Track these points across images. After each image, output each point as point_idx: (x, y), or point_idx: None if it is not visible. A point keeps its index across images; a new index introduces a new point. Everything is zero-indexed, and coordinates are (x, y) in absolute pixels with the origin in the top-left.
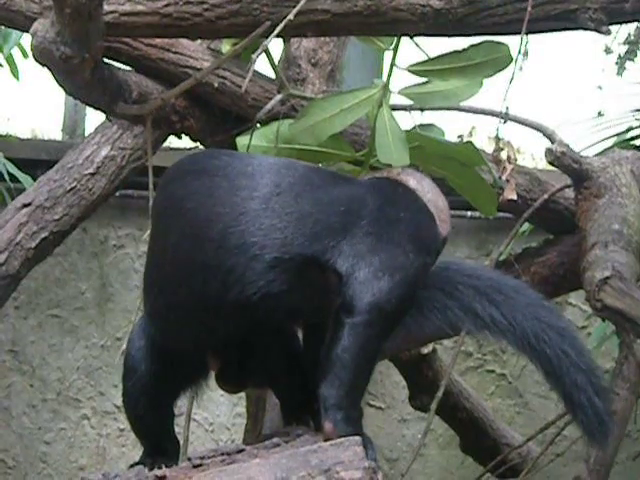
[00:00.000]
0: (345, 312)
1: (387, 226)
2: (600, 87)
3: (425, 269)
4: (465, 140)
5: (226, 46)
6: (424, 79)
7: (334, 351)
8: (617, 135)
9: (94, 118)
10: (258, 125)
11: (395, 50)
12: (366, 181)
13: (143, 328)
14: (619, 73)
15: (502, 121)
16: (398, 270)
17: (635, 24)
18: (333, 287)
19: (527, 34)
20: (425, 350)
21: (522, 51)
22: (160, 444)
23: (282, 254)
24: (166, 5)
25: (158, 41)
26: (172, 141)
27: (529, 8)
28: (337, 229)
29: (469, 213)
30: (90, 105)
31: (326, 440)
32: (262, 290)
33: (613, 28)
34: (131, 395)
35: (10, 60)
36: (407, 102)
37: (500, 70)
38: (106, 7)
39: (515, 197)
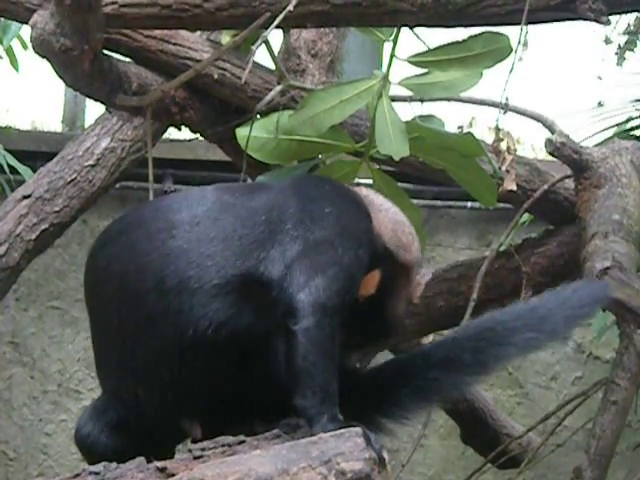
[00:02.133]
0: (289, 318)
1: (312, 224)
2: (600, 77)
3: (359, 261)
4: (465, 131)
5: (226, 37)
6: (424, 70)
7: (295, 361)
8: (617, 125)
9: (94, 110)
10: (258, 116)
11: (395, 41)
12: (287, 184)
13: (95, 412)
14: (619, 63)
15: (502, 112)
16: (330, 265)
17: (634, 14)
18: (276, 297)
19: (527, 24)
20: (426, 341)
21: (522, 41)
22: None
23: (219, 279)
24: None
25: (158, 33)
26: (172, 132)
27: None
28: (263, 239)
29: (469, 204)
30: (90, 97)
31: None
32: (214, 321)
33: (613, 18)
34: None
35: (10, 52)
36: (407, 93)
37: (500, 61)
38: None
39: (515, 188)
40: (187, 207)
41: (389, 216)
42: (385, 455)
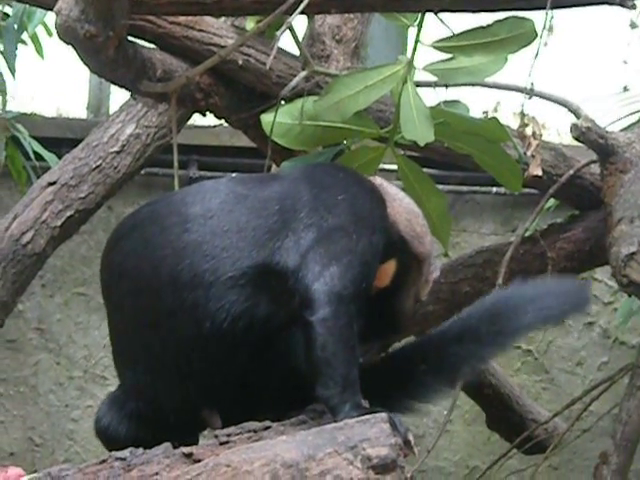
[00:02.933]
0: (306, 309)
1: (326, 212)
2: (625, 62)
3: (374, 247)
4: (490, 116)
5: (250, 23)
6: (449, 55)
7: (314, 352)
8: None
9: (119, 96)
10: (282, 102)
11: (419, 26)
12: (299, 172)
13: (114, 402)
14: None
15: (527, 97)
16: (345, 253)
17: None
18: (292, 287)
19: (552, 9)
20: None
21: (547, 26)
22: None
23: (234, 271)
24: None
25: (182, 19)
26: (196, 119)
27: None
28: (277, 229)
29: (494, 189)
30: (114, 83)
31: None
32: (230, 313)
33: (638, 2)
34: None
35: (34, 38)
36: (432, 78)
37: (525, 46)
38: None
39: (540, 173)
40: (200, 200)
41: (403, 205)
42: (411, 438)
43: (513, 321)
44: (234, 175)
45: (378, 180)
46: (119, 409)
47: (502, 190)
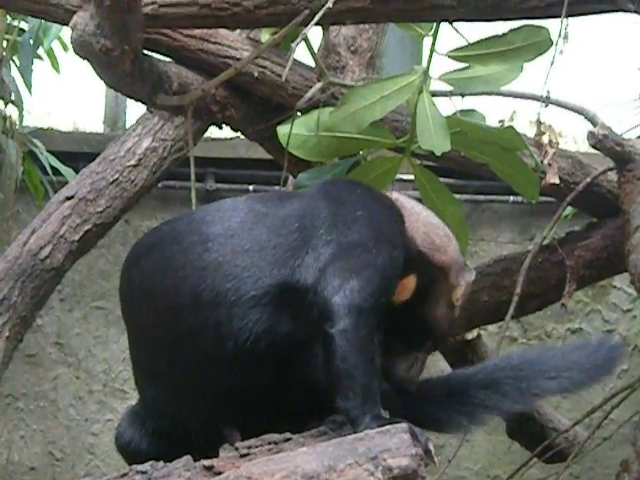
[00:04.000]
0: (326, 322)
1: (345, 228)
2: None
3: (393, 262)
4: (506, 125)
5: (265, 35)
6: (464, 64)
7: (334, 363)
8: None
9: (135, 110)
10: (298, 114)
11: (435, 36)
12: (317, 189)
13: (135, 418)
14: None
15: (543, 105)
16: (364, 267)
17: None
18: (311, 301)
19: (567, 17)
20: (470, 336)
21: (562, 34)
22: None
23: (256, 290)
24: None
25: (197, 32)
26: (213, 131)
27: None
28: (298, 247)
29: (511, 198)
30: (131, 97)
31: None
32: (253, 332)
33: None
34: None
35: (50, 53)
36: (447, 88)
37: (540, 54)
38: None
39: (557, 181)
40: (220, 219)
41: (421, 219)
42: (431, 447)
43: (539, 384)
44: (252, 193)
45: (394, 195)
46: (140, 425)
47: (519, 199)
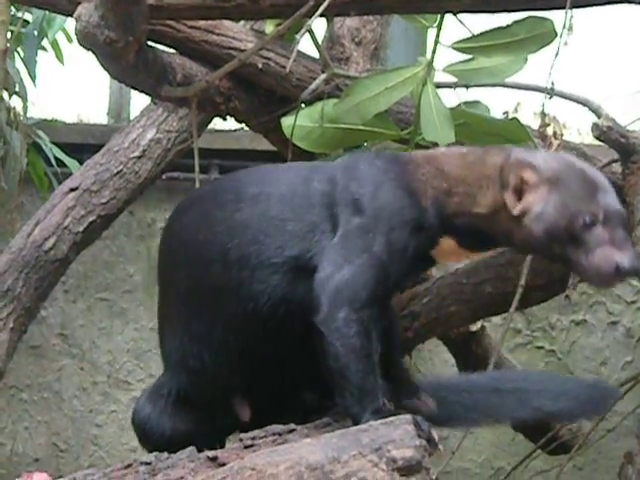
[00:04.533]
0: (315, 314)
1: (347, 208)
2: None
3: (393, 245)
4: (511, 116)
5: (269, 27)
6: (468, 56)
7: (328, 362)
8: None
9: (139, 101)
10: (303, 105)
11: (439, 27)
12: (341, 162)
13: (154, 394)
14: None
15: (548, 96)
16: (359, 254)
17: None
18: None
19: (571, 8)
20: (474, 327)
21: (567, 26)
22: None
23: (276, 258)
24: None
25: (201, 23)
26: (217, 123)
27: None
28: (317, 222)
29: None
30: (135, 88)
31: None
32: (272, 297)
33: None
34: None
35: (55, 45)
36: (452, 79)
37: (545, 45)
38: None
39: None
40: (256, 182)
41: (444, 175)
42: (435, 436)
43: (539, 400)
44: (292, 162)
45: (419, 158)
46: (159, 398)
47: None
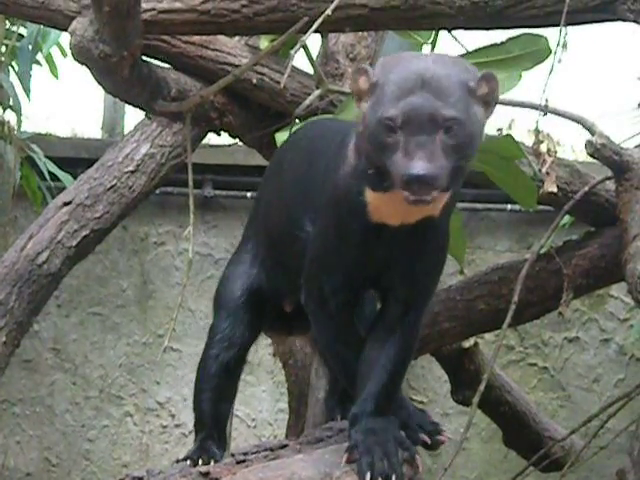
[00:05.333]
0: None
1: (319, 192)
2: None
3: (338, 230)
4: (504, 133)
5: (264, 42)
6: None
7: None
8: None
9: (133, 116)
10: (297, 121)
11: (433, 44)
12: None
13: (244, 272)
14: None
15: (542, 113)
16: (316, 241)
17: None
18: None
19: (566, 26)
20: (467, 344)
21: (561, 43)
22: (215, 426)
23: (297, 222)
24: (204, 2)
25: (196, 38)
26: (211, 138)
27: (567, 0)
28: (310, 198)
29: (509, 206)
30: (129, 103)
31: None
32: (301, 236)
33: None
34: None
35: (49, 59)
36: None
37: (539, 63)
38: (144, 5)
39: (555, 190)
40: (315, 138)
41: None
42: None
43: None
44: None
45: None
46: (244, 281)
47: (517, 207)
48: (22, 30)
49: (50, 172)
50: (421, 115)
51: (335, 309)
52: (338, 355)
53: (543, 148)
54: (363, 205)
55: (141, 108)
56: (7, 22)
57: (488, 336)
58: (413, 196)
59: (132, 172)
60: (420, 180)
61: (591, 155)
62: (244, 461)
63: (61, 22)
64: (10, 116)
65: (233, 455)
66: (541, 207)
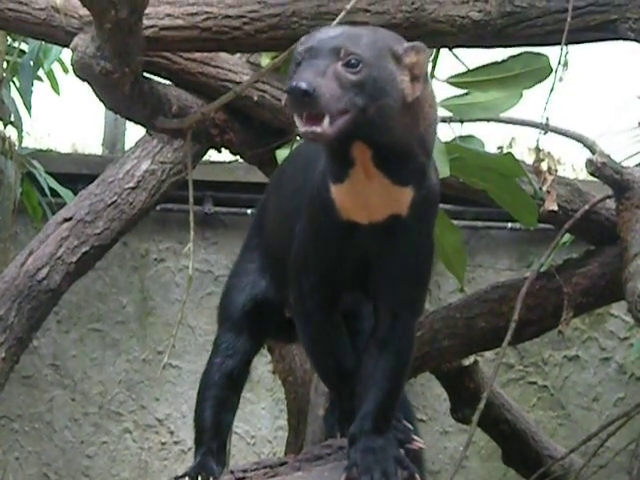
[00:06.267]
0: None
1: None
2: None
3: (310, 231)
4: (505, 151)
5: (265, 59)
6: (463, 91)
7: None
8: None
9: (134, 132)
10: (298, 138)
11: (434, 62)
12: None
13: (249, 282)
14: None
15: (542, 132)
16: (296, 245)
17: None
18: None
19: (567, 45)
20: (466, 362)
21: (562, 62)
22: (215, 437)
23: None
24: (205, 19)
25: (197, 55)
26: (212, 154)
27: (569, 19)
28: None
29: (510, 224)
30: (130, 119)
31: None
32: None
33: None
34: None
35: (50, 75)
36: (447, 114)
37: (540, 81)
38: (146, 22)
39: (556, 208)
40: (311, 151)
41: None
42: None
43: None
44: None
45: None
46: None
47: (517, 225)
48: (23, 46)
49: (51, 188)
50: (323, 46)
51: (313, 307)
52: (315, 355)
53: (544, 166)
54: (332, 202)
55: (142, 125)
56: (8, 38)
57: (488, 354)
58: (304, 127)
59: (133, 188)
60: (298, 90)
61: (592, 174)
62: (243, 478)
63: (63, 39)
64: (11, 132)
65: (232, 472)
66: (541, 225)
